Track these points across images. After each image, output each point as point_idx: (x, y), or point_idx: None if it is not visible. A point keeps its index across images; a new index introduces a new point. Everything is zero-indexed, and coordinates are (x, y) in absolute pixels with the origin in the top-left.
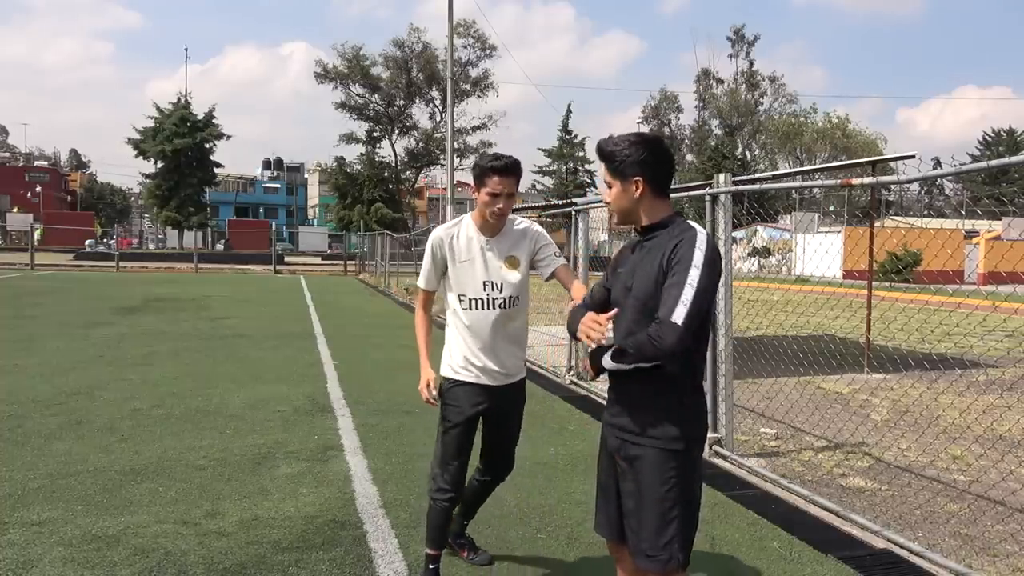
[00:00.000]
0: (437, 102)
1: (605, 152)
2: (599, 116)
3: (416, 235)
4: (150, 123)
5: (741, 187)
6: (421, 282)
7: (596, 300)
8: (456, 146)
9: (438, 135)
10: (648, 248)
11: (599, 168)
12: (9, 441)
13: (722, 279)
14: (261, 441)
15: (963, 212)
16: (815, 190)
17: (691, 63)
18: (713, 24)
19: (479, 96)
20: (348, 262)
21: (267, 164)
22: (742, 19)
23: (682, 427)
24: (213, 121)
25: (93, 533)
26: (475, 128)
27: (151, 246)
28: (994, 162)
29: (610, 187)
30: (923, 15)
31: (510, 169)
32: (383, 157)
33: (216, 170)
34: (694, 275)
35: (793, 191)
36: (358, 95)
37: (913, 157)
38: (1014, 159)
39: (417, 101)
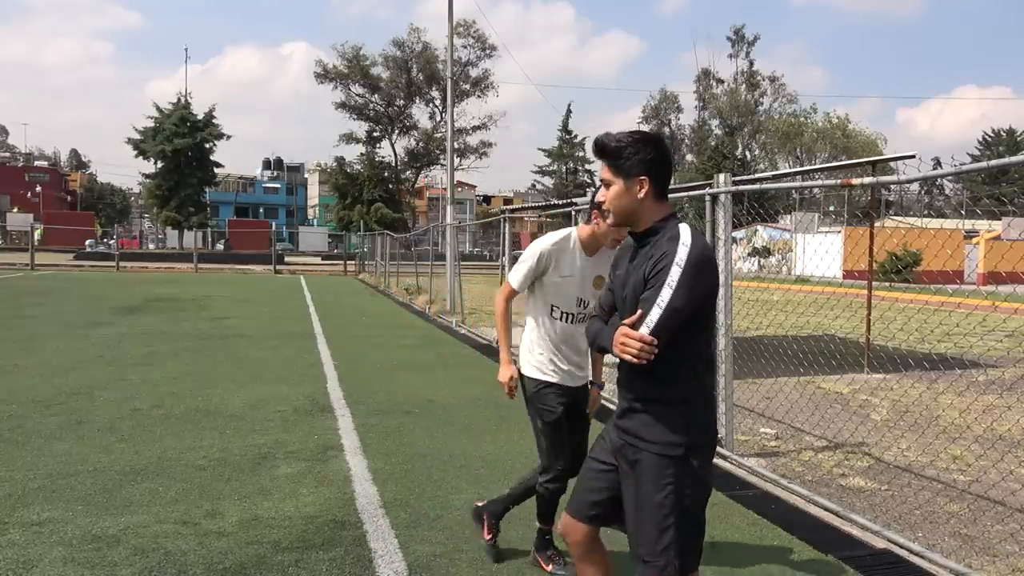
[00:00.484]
0: (437, 102)
1: (609, 149)
2: (599, 116)
3: (416, 235)
4: (150, 123)
5: (741, 187)
6: (515, 283)
7: (606, 306)
8: (456, 146)
9: (438, 135)
10: (641, 255)
11: (598, 166)
12: (9, 441)
13: (722, 279)
14: (261, 441)
15: (963, 212)
16: (815, 190)
17: (691, 63)
18: (713, 24)
19: (479, 96)
20: (348, 262)
21: (267, 164)
22: (742, 19)
23: (682, 434)
24: (213, 121)
25: (93, 533)
26: (475, 128)
27: (151, 246)
28: (994, 162)
29: (608, 186)
30: (923, 15)
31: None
32: (383, 157)
33: (216, 170)
34: (666, 294)
35: (793, 191)
36: (358, 95)
37: (913, 157)
38: (1014, 159)
39: (417, 101)
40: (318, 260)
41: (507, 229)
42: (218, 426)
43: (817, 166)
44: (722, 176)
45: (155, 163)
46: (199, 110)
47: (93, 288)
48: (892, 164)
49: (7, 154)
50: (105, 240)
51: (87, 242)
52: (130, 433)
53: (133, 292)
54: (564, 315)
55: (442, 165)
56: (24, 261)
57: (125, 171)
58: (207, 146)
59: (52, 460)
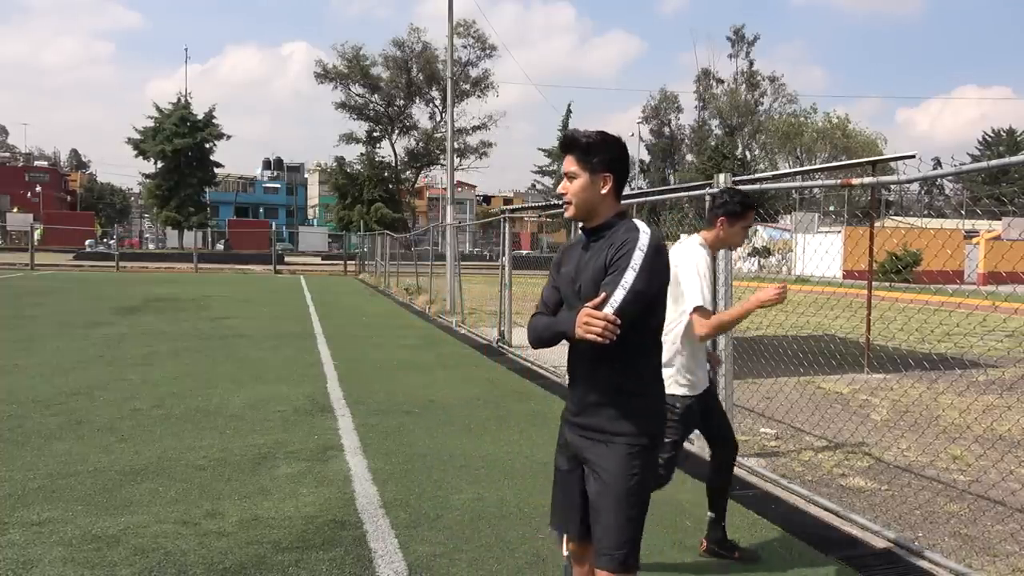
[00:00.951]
0: (437, 102)
1: (580, 143)
2: (599, 116)
3: (416, 235)
4: (150, 123)
5: (741, 187)
6: (707, 302)
7: (550, 303)
8: (456, 146)
9: (438, 135)
10: (595, 248)
11: (565, 159)
12: (9, 441)
13: (722, 279)
14: (261, 441)
15: (963, 212)
16: (815, 190)
17: (691, 63)
18: (713, 24)
19: (479, 96)
20: (348, 262)
21: (267, 164)
22: (742, 19)
23: (646, 424)
24: (213, 121)
25: (93, 533)
26: (475, 128)
27: (151, 246)
28: (994, 162)
29: (573, 179)
30: (923, 15)
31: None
32: (383, 157)
33: (216, 170)
34: (629, 276)
35: (793, 191)
36: (358, 95)
37: (913, 157)
38: (1014, 159)
39: (417, 101)
40: (318, 260)
41: (507, 229)
42: (218, 426)
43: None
44: (722, 176)
45: (155, 163)
46: (199, 110)
47: (93, 288)
48: (892, 164)
49: (7, 154)
50: (105, 240)
51: (87, 242)
52: (130, 433)
53: (133, 292)
54: None
55: (442, 165)
56: (24, 261)
57: (125, 171)
58: (207, 146)
59: (52, 460)
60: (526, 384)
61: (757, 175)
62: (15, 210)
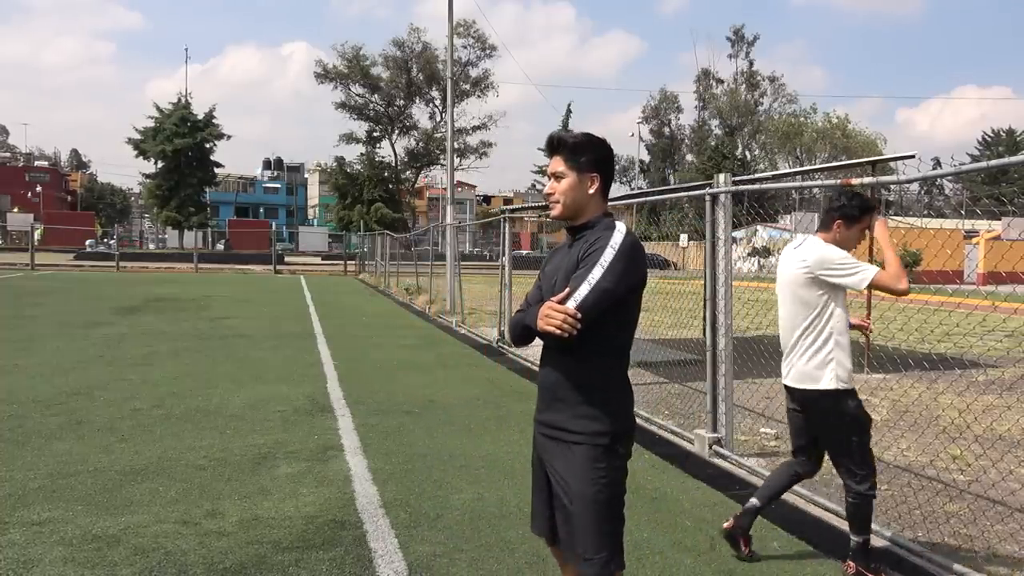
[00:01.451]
0: (437, 102)
1: (568, 144)
2: (599, 116)
3: (416, 235)
4: (150, 123)
5: (741, 187)
6: (870, 267)
7: (533, 302)
8: (456, 146)
9: (438, 135)
10: (575, 247)
11: (552, 160)
12: (9, 441)
13: (722, 279)
14: (261, 441)
15: (963, 212)
16: (815, 190)
17: (691, 63)
18: (713, 24)
19: (479, 96)
20: (348, 262)
21: (267, 164)
22: (742, 19)
23: (609, 423)
24: (213, 121)
25: (93, 533)
26: (475, 128)
27: (151, 246)
28: (994, 162)
29: (560, 179)
30: (923, 15)
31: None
32: (383, 157)
33: (216, 170)
34: (597, 272)
35: (793, 191)
36: (358, 95)
37: (913, 157)
38: (1014, 159)
39: (417, 101)
40: (318, 260)
41: (507, 229)
42: (218, 426)
43: (817, 166)
44: (722, 176)
45: (155, 163)
46: (199, 110)
47: (93, 288)
48: (892, 164)
49: (7, 154)
50: (105, 240)
51: (87, 242)
52: (130, 433)
53: (133, 292)
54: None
55: (442, 165)
56: (24, 261)
57: (125, 171)
58: (207, 146)
59: (52, 460)
60: (526, 384)
61: (757, 175)
62: (15, 210)
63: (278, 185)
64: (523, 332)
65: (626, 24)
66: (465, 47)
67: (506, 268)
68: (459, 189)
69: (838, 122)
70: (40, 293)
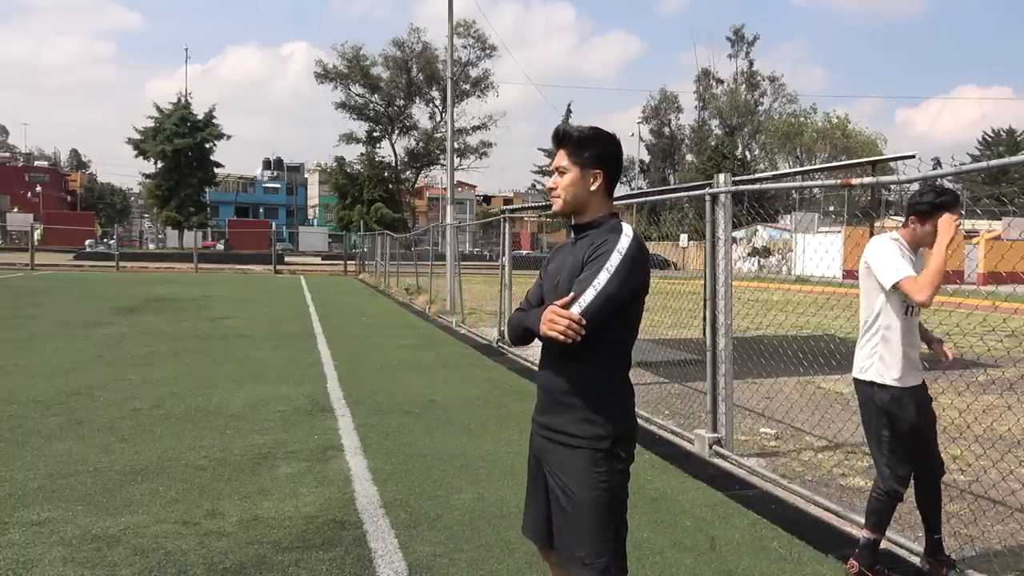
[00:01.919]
0: (437, 102)
1: (573, 137)
2: (599, 116)
3: (416, 235)
4: (150, 123)
5: (741, 187)
6: (904, 271)
7: (533, 301)
8: (456, 146)
9: (438, 135)
10: (579, 245)
11: (557, 153)
12: (9, 441)
13: (722, 279)
14: (261, 441)
15: (963, 212)
16: (815, 190)
17: (691, 63)
18: (713, 24)
19: (479, 96)
20: (348, 262)
21: (267, 164)
22: (742, 19)
23: (609, 426)
24: (213, 121)
25: (93, 533)
26: (475, 128)
27: (151, 246)
28: (994, 162)
29: (563, 173)
30: (923, 15)
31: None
32: (383, 157)
33: (216, 170)
34: (603, 277)
35: (793, 191)
36: (358, 95)
37: (913, 157)
38: (1014, 159)
39: (417, 101)
40: (318, 260)
41: (507, 229)
42: (218, 426)
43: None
44: (722, 176)
45: (155, 163)
46: (199, 110)
47: (93, 288)
48: (892, 164)
49: (7, 154)
50: (105, 240)
51: (87, 242)
52: (130, 433)
53: (133, 292)
54: (910, 308)
55: (442, 165)
56: (24, 261)
57: (125, 171)
58: (207, 146)
59: (52, 460)
60: (526, 384)
61: (757, 175)
62: (15, 210)
63: (278, 185)
64: (524, 334)
65: (626, 24)
66: (465, 47)
67: (506, 268)
68: (459, 189)
69: (838, 122)
70: (40, 293)
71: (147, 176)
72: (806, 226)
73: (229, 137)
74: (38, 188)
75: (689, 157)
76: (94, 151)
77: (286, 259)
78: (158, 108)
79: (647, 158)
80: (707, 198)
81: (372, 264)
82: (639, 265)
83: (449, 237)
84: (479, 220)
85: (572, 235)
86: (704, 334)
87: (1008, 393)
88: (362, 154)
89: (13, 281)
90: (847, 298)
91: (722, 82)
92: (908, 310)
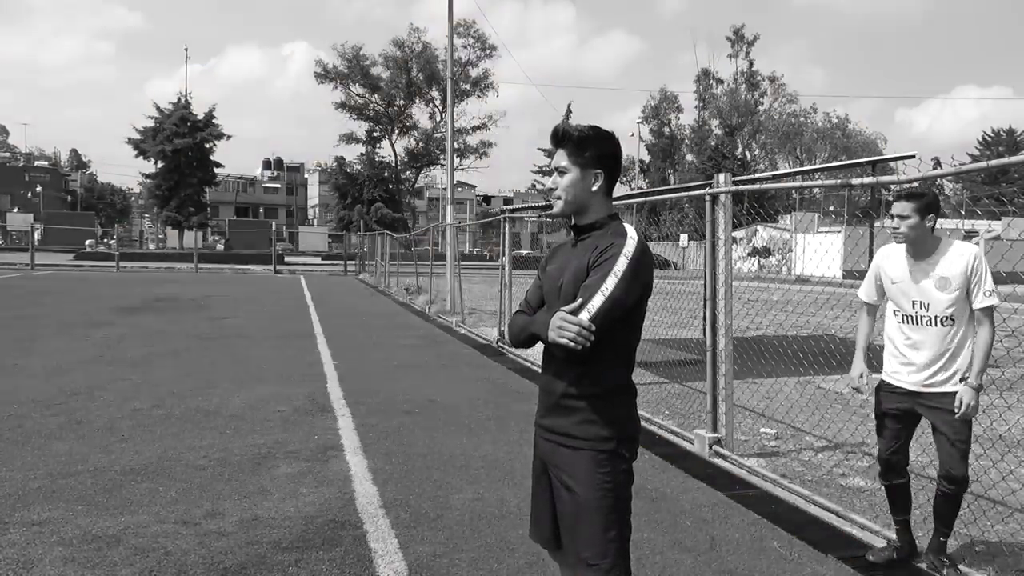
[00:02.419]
0: (437, 102)
1: (573, 137)
2: (599, 116)
3: (416, 235)
4: (150, 123)
5: (741, 187)
6: (862, 295)
7: (533, 302)
8: (456, 146)
9: (438, 135)
10: (581, 247)
11: (556, 153)
12: (9, 441)
13: (722, 279)
14: (261, 441)
15: (963, 212)
16: (815, 190)
17: (691, 63)
18: (713, 24)
19: (479, 96)
20: (348, 262)
21: (267, 164)
22: (742, 19)
23: (613, 428)
24: (213, 121)
25: (93, 533)
26: (475, 128)
27: (151, 246)
28: (994, 162)
29: (563, 173)
30: (923, 15)
31: (905, 197)
32: (383, 157)
33: (216, 170)
34: (610, 282)
35: (793, 191)
36: (358, 95)
37: (913, 157)
38: (1014, 159)
39: (417, 101)
40: (318, 260)
41: (507, 229)
42: (218, 426)
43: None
44: (722, 176)
45: (155, 163)
46: (199, 110)
47: (93, 288)
48: (892, 164)
49: (7, 154)
50: (105, 240)
51: (87, 242)
52: (130, 433)
53: (133, 292)
54: (907, 317)
55: (442, 165)
56: (24, 261)
57: (125, 171)
58: (207, 146)
59: (52, 460)
60: (526, 384)
61: (757, 175)
62: (15, 210)
63: (278, 185)
64: (529, 339)
65: (626, 24)
66: (465, 47)
67: (506, 268)
68: (459, 189)
69: (838, 122)
70: (40, 293)
71: (147, 176)
72: (806, 226)
73: (229, 137)
74: (38, 188)
75: (689, 157)
76: (94, 151)
77: (286, 259)
78: (158, 108)
79: (647, 158)
80: (707, 198)
81: (372, 264)
82: (645, 269)
83: (449, 237)
84: (479, 220)
85: (572, 236)
86: (704, 334)
87: (1008, 393)
88: (362, 154)
89: (13, 281)
90: (847, 298)
91: (722, 82)
92: (907, 319)
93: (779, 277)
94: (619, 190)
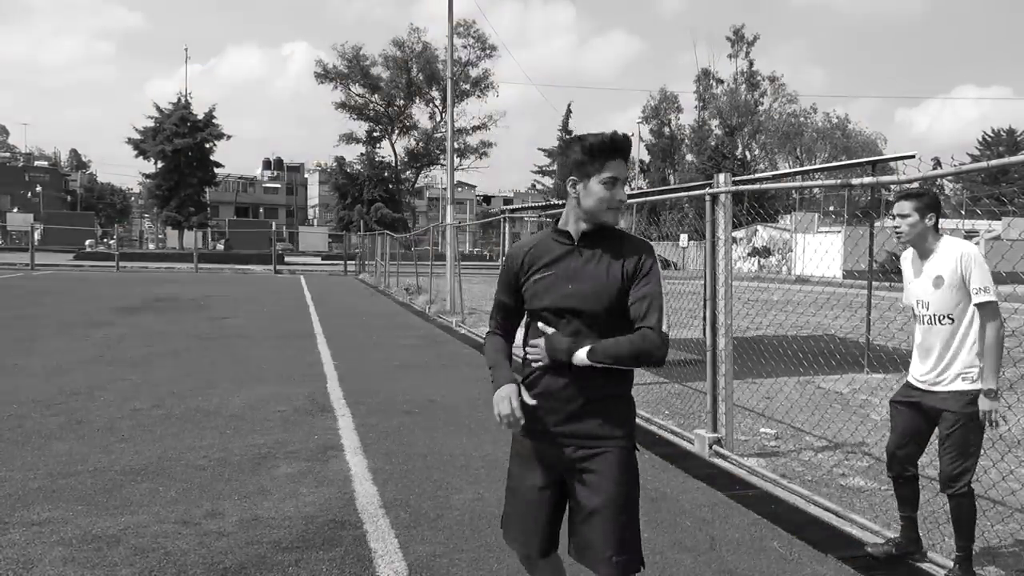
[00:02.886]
0: (437, 102)
1: (627, 148)
2: (599, 116)
3: (416, 235)
4: (150, 123)
5: (741, 187)
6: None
7: (512, 311)
8: (456, 146)
9: (438, 135)
10: (594, 253)
11: (621, 163)
12: (9, 441)
13: (722, 279)
14: (261, 441)
15: (963, 212)
16: (815, 190)
17: (691, 63)
18: (713, 24)
19: (479, 96)
20: (348, 262)
21: (267, 164)
22: (742, 19)
23: (629, 424)
24: (213, 121)
25: (93, 533)
26: (475, 128)
27: (151, 246)
28: (994, 162)
29: (624, 183)
30: (923, 15)
31: (905, 196)
32: (383, 157)
33: (216, 170)
34: (661, 288)
35: (793, 191)
36: (358, 95)
37: (913, 157)
38: (1014, 159)
39: (417, 101)
40: (318, 260)
41: (507, 229)
42: (218, 426)
43: (817, 166)
44: (722, 176)
45: (155, 163)
46: (199, 110)
47: (93, 288)
48: (892, 164)
49: (7, 154)
50: (105, 240)
51: (87, 242)
52: (130, 433)
53: (133, 292)
54: (915, 316)
55: (442, 165)
56: (24, 261)
57: (125, 171)
58: (207, 146)
59: (52, 460)
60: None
61: (757, 175)
62: (15, 210)
63: (278, 185)
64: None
65: (626, 24)
66: (465, 47)
67: None
68: (459, 189)
69: (838, 122)
70: (40, 293)
71: (147, 176)
72: (806, 226)
73: (229, 137)
74: (38, 188)
75: (689, 157)
76: (94, 151)
77: (286, 259)
78: (158, 108)
79: (647, 158)
80: (707, 198)
81: (372, 264)
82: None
83: (449, 237)
84: (479, 220)
85: (565, 239)
86: (704, 334)
87: (1008, 393)
88: (362, 154)
89: (13, 281)
90: (847, 298)
91: (722, 82)
92: (917, 317)
93: (779, 277)
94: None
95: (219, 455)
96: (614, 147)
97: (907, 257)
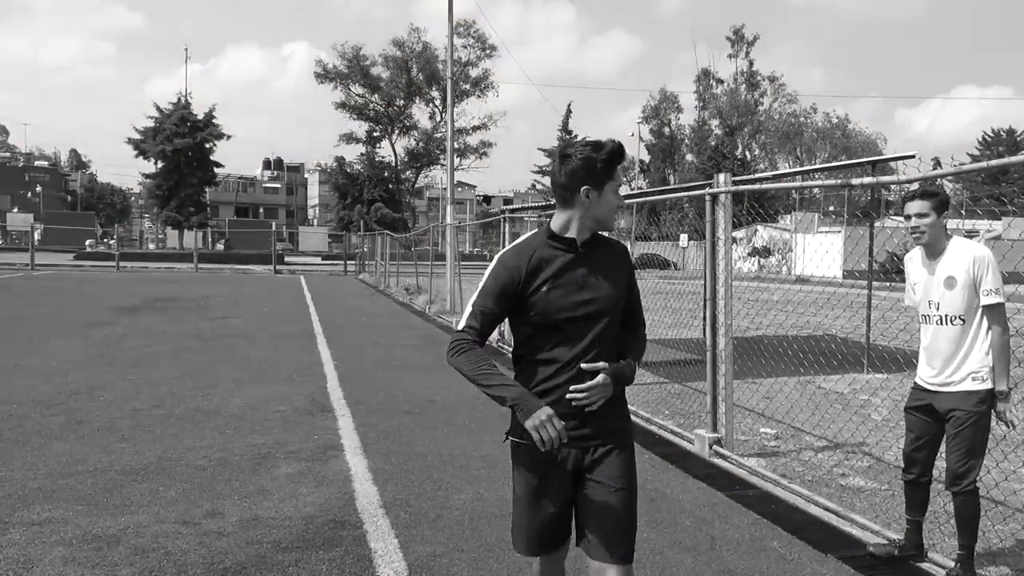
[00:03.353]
0: (437, 102)
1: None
2: (599, 116)
3: (416, 235)
4: (150, 123)
5: (741, 187)
6: (907, 301)
7: (490, 321)
8: (456, 146)
9: (438, 135)
10: (596, 259)
11: (615, 171)
12: (9, 441)
13: (722, 279)
14: (261, 441)
15: (963, 212)
16: (815, 190)
17: (691, 63)
18: (713, 24)
19: (479, 96)
20: (348, 262)
21: (267, 164)
22: (742, 19)
23: (630, 420)
24: (213, 121)
25: (93, 533)
26: (475, 128)
27: (151, 246)
28: (994, 162)
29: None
30: (923, 15)
31: (920, 195)
32: (383, 157)
33: (216, 170)
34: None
35: (793, 191)
36: (358, 95)
37: (913, 157)
38: (1014, 159)
39: (417, 101)
40: (318, 260)
41: (507, 229)
42: (218, 426)
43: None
44: (722, 176)
45: (155, 163)
46: (199, 110)
47: (93, 288)
48: (892, 164)
49: (7, 154)
50: (105, 240)
51: (87, 242)
52: (130, 433)
53: (133, 292)
54: (924, 317)
55: (442, 165)
56: (24, 261)
57: (125, 171)
58: (207, 146)
59: (52, 460)
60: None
61: (757, 175)
62: (15, 210)
63: (278, 185)
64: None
65: (626, 24)
66: (465, 47)
67: None
68: (459, 189)
69: (838, 122)
70: (40, 293)
71: (147, 176)
72: (806, 226)
73: (229, 137)
74: (38, 188)
75: (689, 157)
76: (94, 151)
77: (286, 259)
78: (158, 108)
79: (647, 158)
80: (707, 198)
81: (372, 264)
82: None
83: (449, 237)
84: (479, 220)
85: (564, 246)
86: (704, 334)
87: (1012, 393)
88: (362, 154)
89: (13, 281)
90: (847, 298)
91: (722, 82)
92: (924, 318)
93: (779, 277)
94: (619, 190)
95: (219, 455)
96: (621, 155)
97: (913, 257)
